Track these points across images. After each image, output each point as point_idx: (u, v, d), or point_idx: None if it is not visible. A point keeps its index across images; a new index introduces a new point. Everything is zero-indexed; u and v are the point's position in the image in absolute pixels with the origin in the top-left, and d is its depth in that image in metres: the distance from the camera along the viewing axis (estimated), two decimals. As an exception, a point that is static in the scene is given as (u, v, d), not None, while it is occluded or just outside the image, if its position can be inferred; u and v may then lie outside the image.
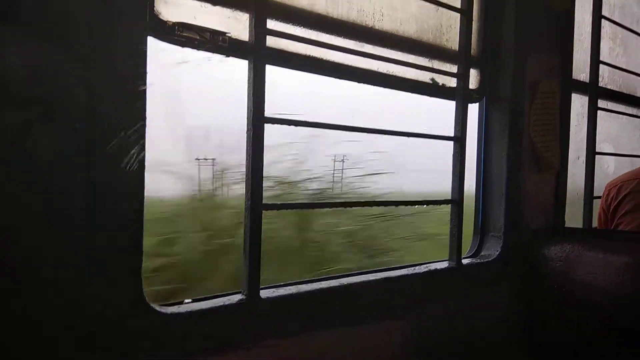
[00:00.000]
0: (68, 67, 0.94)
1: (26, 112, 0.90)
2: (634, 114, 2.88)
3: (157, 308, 1.08)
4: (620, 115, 2.76)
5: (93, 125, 0.97)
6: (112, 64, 0.99)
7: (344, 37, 1.46)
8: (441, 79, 1.72)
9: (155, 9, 1.11)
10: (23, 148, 0.89)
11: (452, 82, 1.74)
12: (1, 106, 0.87)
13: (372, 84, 1.55)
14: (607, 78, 2.62)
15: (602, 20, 2.39)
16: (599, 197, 2.40)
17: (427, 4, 1.65)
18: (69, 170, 0.94)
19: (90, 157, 0.96)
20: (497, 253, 1.90)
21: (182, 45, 1.17)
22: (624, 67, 2.71)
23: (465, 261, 1.82)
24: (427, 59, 1.69)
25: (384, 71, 1.56)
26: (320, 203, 1.38)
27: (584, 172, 2.44)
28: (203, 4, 1.20)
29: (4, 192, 0.87)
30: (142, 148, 1.03)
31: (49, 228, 0.92)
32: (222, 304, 1.16)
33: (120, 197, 1.00)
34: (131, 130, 1.02)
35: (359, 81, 1.51)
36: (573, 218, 2.41)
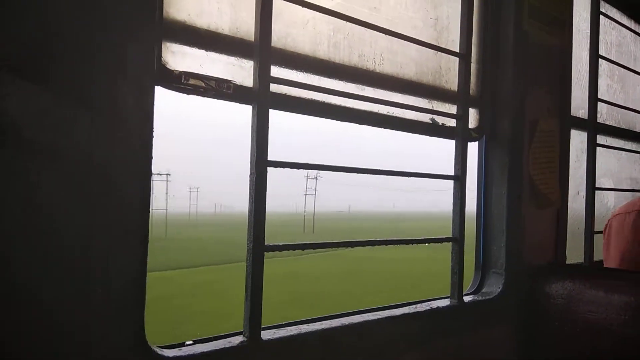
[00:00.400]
0: (79, 118, 0.98)
1: (37, 160, 0.93)
2: (633, 149, 2.91)
3: (158, 351, 1.09)
4: (620, 151, 2.79)
5: (100, 174, 1.00)
6: (121, 114, 1.03)
7: (346, 81, 1.50)
8: (441, 119, 1.76)
9: (162, 59, 1.16)
10: (34, 195, 0.92)
11: (451, 122, 1.77)
12: (11, 147, 0.90)
13: (373, 126, 1.59)
14: (605, 114, 2.66)
15: (600, 59, 2.44)
16: (600, 232, 2.41)
17: (426, 48, 1.70)
18: (71, 214, 0.97)
19: (92, 203, 0.99)
20: (499, 290, 1.90)
21: (188, 93, 1.21)
22: (622, 103, 2.75)
23: (466, 298, 1.83)
24: (426, 100, 1.74)
25: (385, 113, 1.60)
26: (322, 243, 1.40)
27: (584, 206, 2.46)
28: (209, 52, 1.24)
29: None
30: (148, 193, 1.06)
31: (52, 268, 0.94)
32: (223, 346, 1.17)
33: (123, 238, 1.03)
34: (138, 179, 1.05)
35: (361, 123, 1.55)
36: (575, 252, 2.41)
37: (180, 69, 1.19)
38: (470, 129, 1.84)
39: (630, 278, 1.78)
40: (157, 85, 1.12)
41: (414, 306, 1.65)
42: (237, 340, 1.21)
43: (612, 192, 2.78)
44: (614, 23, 2.70)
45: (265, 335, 1.25)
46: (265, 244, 1.24)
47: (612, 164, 2.81)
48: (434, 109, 1.75)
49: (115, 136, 1.02)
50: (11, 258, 0.90)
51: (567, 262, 2.21)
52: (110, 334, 1.01)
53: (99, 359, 0.99)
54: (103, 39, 1.00)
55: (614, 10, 2.71)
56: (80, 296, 0.97)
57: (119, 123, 1.02)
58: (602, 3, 2.49)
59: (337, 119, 1.50)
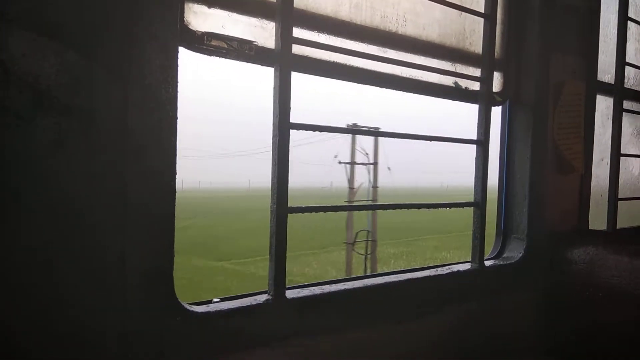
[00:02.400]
0: (104, 77, 0.99)
1: (64, 119, 0.95)
2: (661, 114, 2.83)
3: (189, 307, 1.12)
4: (647, 116, 2.72)
5: (126, 134, 1.01)
6: (145, 74, 1.04)
7: (368, 43, 1.48)
8: (464, 83, 1.73)
9: (185, 19, 1.15)
10: (61, 154, 0.94)
11: (475, 86, 1.74)
12: (46, 111, 0.92)
13: (395, 89, 1.57)
14: (632, 79, 2.58)
15: (629, 21, 2.36)
16: (624, 199, 2.38)
17: (450, 9, 1.66)
18: (102, 178, 0.99)
19: (124, 165, 1.01)
20: (520, 255, 1.90)
21: (210, 54, 1.21)
22: (651, 67, 2.66)
23: (487, 263, 1.83)
24: (450, 63, 1.71)
25: (407, 76, 1.58)
26: (344, 206, 1.41)
27: (608, 173, 2.42)
28: (230, 13, 1.23)
29: (39, 197, 0.93)
30: (175, 154, 1.08)
31: (83, 233, 0.97)
32: (249, 304, 1.20)
33: (153, 203, 1.05)
34: (163, 138, 1.06)
35: (383, 86, 1.53)
36: (598, 219, 2.39)
37: (203, 30, 1.18)
38: (494, 92, 1.81)
39: (655, 243, 1.76)
40: (180, 46, 1.12)
41: (435, 270, 1.66)
42: (262, 298, 1.24)
43: (638, 158, 2.72)
44: (645, -17, 2.59)
45: (290, 294, 1.27)
46: (289, 205, 1.25)
47: (638, 130, 2.75)
48: (457, 71, 1.72)
49: (140, 95, 1.03)
50: (51, 227, 0.93)
51: (590, 229, 2.19)
52: (142, 291, 1.04)
53: (138, 317, 1.03)
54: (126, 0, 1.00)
55: (645, -31, 2.60)
56: (113, 254, 1.00)
57: (146, 85, 1.03)
58: (633, -38, 2.39)
59: (359, 82, 1.49)
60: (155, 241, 1.06)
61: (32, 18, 0.91)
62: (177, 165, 1.10)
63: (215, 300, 1.22)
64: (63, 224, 0.95)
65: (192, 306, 1.14)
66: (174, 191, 1.09)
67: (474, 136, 1.75)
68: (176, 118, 1.09)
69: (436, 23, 1.66)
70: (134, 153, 1.02)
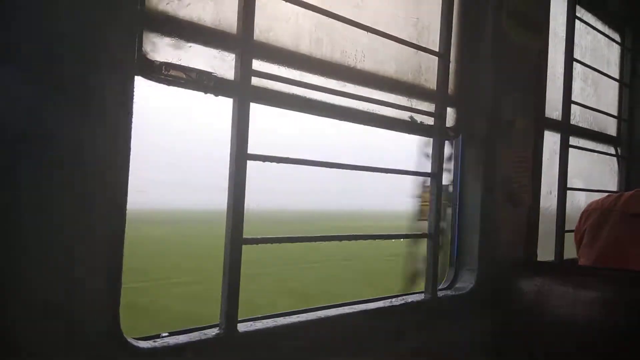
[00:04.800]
0: (59, 103, 0.97)
1: (17, 145, 0.92)
2: (604, 151, 2.99)
3: (134, 342, 1.09)
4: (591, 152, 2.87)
5: (81, 161, 0.99)
6: (101, 102, 1.02)
7: (327, 77, 1.51)
8: (419, 117, 1.78)
9: (143, 49, 1.15)
10: (11, 181, 0.91)
11: (430, 120, 1.80)
12: None
13: (353, 122, 1.60)
14: (578, 116, 2.73)
15: (574, 62, 2.50)
16: (571, 231, 2.48)
17: (407, 47, 1.72)
18: (53, 205, 0.96)
19: (74, 193, 0.98)
20: (472, 285, 1.95)
21: (169, 84, 1.20)
22: (594, 106, 2.83)
23: (440, 293, 1.86)
24: (406, 98, 1.76)
25: (365, 109, 1.61)
26: (300, 237, 1.41)
27: (555, 206, 2.53)
28: (190, 44, 1.24)
29: None
30: (125, 184, 1.06)
31: (29, 260, 0.93)
32: (199, 338, 1.18)
33: (103, 229, 1.02)
34: (116, 166, 1.04)
35: (341, 119, 1.56)
36: (547, 249, 2.48)
37: (161, 60, 1.18)
38: (448, 127, 1.87)
39: (599, 274, 1.84)
40: (138, 75, 1.11)
41: (389, 300, 1.67)
42: (212, 332, 1.21)
43: (583, 192, 2.85)
44: (589, 27, 2.77)
45: (242, 327, 1.25)
46: (244, 236, 1.25)
47: (583, 165, 2.89)
48: (413, 107, 1.77)
49: (98, 127, 1.01)
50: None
51: (538, 260, 2.27)
52: (86, 326, 1.00)
53: (74, 350, 0.98)
54: (84, 27, 0.99)
55: (589, 15, 2.78)
56: (58, 288, 0.96)
57: (99, 114, 1.01)
58: (577, 7, 2.55)
59: (318, 115, 1.51)
60: (102, 275, 1.03)
61: None
62: (127, 195, 1.07)
63: (163, 334, 1.19)
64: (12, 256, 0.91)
65: (139, 342, 1.10)
66: (124, 222, 1.06)
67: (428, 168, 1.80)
68: (129, 147, 1.07)
69: (393, 60, 1.72)
70: (84, 183, 1.00)
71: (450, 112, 1.90)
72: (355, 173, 1.60)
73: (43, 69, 0.95)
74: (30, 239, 0.93)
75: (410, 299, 1.73)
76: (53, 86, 0.96)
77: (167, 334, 1.19)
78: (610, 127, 3.09)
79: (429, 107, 1.82)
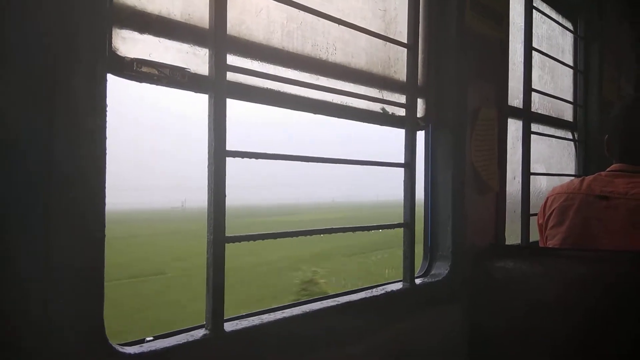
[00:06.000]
0: (26, 106, 0.92)
1: None
2: (563, 136, 3.11)
3: (119, 348, 1.05)
4: (550, 138, 2.98)
5: (51, 165, 0.95)
6: (71, 102, 0.98)
7: (300, 70, 1.50)
8: (391, 109, 1.80)
9: (113, 45, 1.11)
10: None
11: (401, 112, 1.82)
12: None
13: (327, 115, 1.60)
14: (537, 103, 2.82)
15: (533, 51, 2.59)
16: (535, 214, 2.57)
17: (376, 39, 1.73)
18: (26, 210, 0.92)
19: (47, 195, 0.94)
20: (447, 272, 1.99)
21: (141, 81, 1.17)
22: (552, 93, 2.93)
23: (417, 281, 1.90)
24: (377, 90, 1.77)
25: (339, 102, 1.61)
26: (283, 233, 1.40)
27: (519, 191, 2.61)
28: (161, 39, 1.20)
29: None
30: (103, 186, 1.02)
31: (6, 266, 0.89)
32: (185, 340, 1.15)
33: (81, 233, 0.98)
34: (90, 167, 1.00)
35: (315, 112, 1.56)
36: (513, 234, 2.56)
37: (132, 56, 1.14)
38: (418, 117, 1.90)
39: (565, 255, 1.91)
40: (109, 72, 1.07)
41: (370, 291, 1.69)
42: (199, 333, 1.19)
43: (545, 176, 2.96)
44: (544, 17, 2.86)
45: (228, 327, 1.24)
46: (226, 235, 1.23)
47: (543, 150, 3.00)
48: (384, 98, 1.79)
49: (70, 128, 0.96)
50: None
51: (506, 243, 2.34)
52: (68, 332, 0.96)
53: (56, 356, 0.94)
54: (53, 25, 0.94)
55: (545, 5, 2.87)
56: (37, 294, 0.92)
57: (72, 114, 0.97)
58: (534, -2, 2.63)
59: (292, 108, 1.50)
60: (83, 279, 0.99)
61: None
62: (105, 197, 1.04)
63: (148, 339, 1.16)
64: None
65: (124, 347, 1.07)
66: (103, 225, 1.03)
67: (401, 159, 1.82)
68: (105, 149, 1.03)
69: (363, 52, 1.72)
70: (59, 186, 0.96)
71: (419, 102, 1.93)
72: (331, 165, 1.60)
73: (7, 68, 0.90)
74: (6, 244, 0.89)
75: (390, 288, 1.75)
76: (18, 87, 0.91)
77: (151, 338, 1.16)
78: (567, 112, 3.22)
79: (399, 98, 1.84)
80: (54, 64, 0.95)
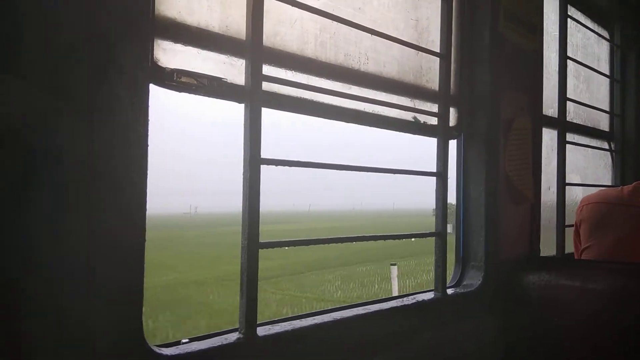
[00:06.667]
0: (71, 115, 0.96)
1: (30, 158, 0.91)
2: (598, 146, 3.04)
3: (157, 350, 1.08)
4: (586, 148, 2.92)
5: (94, 173, 0.99)
6: (115, 112, 1.02)
7: (333, 80, 1.52)
8: (422, 118, 1.80)
9: (155, 56, 1.15)
10: (27, 193, 0.90)
11: (432, 120, 1.82)
12: (10, 151, 0.89)
13: (360, 124, 1.62)
14: (572, 113, 2.77)
15: (568, 60, 2.55)
16: (571, 225, 2.51)
17: (408, 48, 1.74)
18: (71, 215, 0.95)
19: (92, 202, 0.98)
20: (479, 282, 1.96)
21: (180, 90, 1.21)
22: (587, 102, 2.87)
23: (449, 291, 1.88)
24: (409, 99, 1.78)
25: (370, 111, 1.63)
26: (315, 240, 1.41)
27: (554, 201, 2.56)
28: (200, 50, 1.24)
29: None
30: (144, 192, 1.06)
31: (50, 270, 0.93)
32: (220, 343, 1.17)
33: (122, 238, 1.02)
34: (133, 176, 1.04)
35: (347, 121, 1.57)
36: (547, 245, 2.51)
37: (172, 67, 1.18)
38: (451, 126, 1.89)
39: (604, 268, 1.86)
40: (151, 82, 1.12)
41: (400, 300, 1.68)
42: (233, 337, 1.21)
43: (580, 187, 2.89)
44: (580, 26, 2.82)
45: (261, 331, 1.25)
46: (260, 241, 1.25)
47: (578, 160, 2.93)
48: (416, 107, 1.79)
49: (113, 137, 1.01)
50: (11, 261, 0.88)
51: (541, 255, 2.29)
52: (109, 334, 1.00)
53: (100, 356, 0.98)
54: (98, 36, 0.99)
55: (579, 13, 2.83)
56: (79, 297, 0.96)
57: (116, 123, 1.01)
58: (569, 7, 2.60)
59: (325, 117, 1.52)
60: (124, 282, 1.02)
61: None
62: (146, 204, 1.07)
63: (184, 340, 1.18)
64: (33, 264, 0.90)
65: (161, 349, 1.10)
66: (144, 231, 1.06)
67: (433, 167, 1.81)
68: (147, 157, 1.07)
69: (395, 61, 1.73)
70: (102, 192, 1.00)
71: (452, 112, 1.93)
72: (365, 174, 1.61)
73: (53, 80, 0.94)
74: (50, 248, 0.93)
75: (421, 297, 1.74)
76: (64, 97, 0.95)
77: (187, 340, 1.19)
78: (603, 122, 3.15)
79: (431, 107, 1.84)
80: (97, 73, 0.99)
